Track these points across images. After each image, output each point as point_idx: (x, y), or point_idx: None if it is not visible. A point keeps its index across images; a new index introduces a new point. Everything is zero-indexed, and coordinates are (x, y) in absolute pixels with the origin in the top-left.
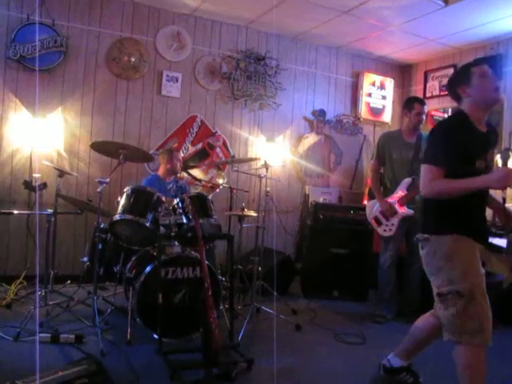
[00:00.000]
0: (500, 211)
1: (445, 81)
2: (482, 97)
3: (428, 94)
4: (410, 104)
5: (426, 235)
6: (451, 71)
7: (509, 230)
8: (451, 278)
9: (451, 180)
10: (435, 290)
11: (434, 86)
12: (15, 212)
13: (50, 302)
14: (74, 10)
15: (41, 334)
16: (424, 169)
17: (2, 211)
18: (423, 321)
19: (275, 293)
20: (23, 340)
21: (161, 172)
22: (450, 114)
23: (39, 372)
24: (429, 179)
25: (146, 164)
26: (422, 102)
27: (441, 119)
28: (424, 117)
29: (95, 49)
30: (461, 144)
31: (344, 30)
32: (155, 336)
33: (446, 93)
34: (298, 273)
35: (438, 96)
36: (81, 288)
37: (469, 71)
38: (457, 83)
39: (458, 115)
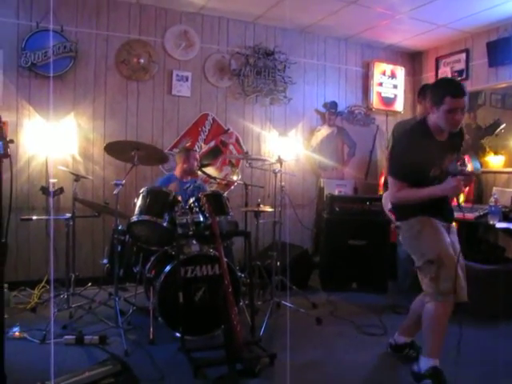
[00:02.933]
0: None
1: (457, 66)
2: (442, 124)
3: None
4: (424, 91)
5: (398, 223)
6: (463, 56)
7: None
8: (422, 251)
9: (413, 190)
10: (416, 265)
11: (445, 73)
12: (34, 218)
13: (73, 305)
14: (82, 14)
15: (66, 336)
16: (390, 180)
17: (22, 218)
18: (417, 302)
19: (293, 287)
20: (49, 342)
21: (177, 172)
22: (414, 123)
23: (67, 373)
24: (395, 191)
25: (160, 165)
26: None
27: (405, 128)
28: None
29: (104, 52)
30: (418, 159)
31: (352, 20)
32: (177, 334)
33: (459, 79)
34: (317, 266)
35: None
36: (102, 290)
37: (442, 98)
38: (430, 99)
39: (420, 127)
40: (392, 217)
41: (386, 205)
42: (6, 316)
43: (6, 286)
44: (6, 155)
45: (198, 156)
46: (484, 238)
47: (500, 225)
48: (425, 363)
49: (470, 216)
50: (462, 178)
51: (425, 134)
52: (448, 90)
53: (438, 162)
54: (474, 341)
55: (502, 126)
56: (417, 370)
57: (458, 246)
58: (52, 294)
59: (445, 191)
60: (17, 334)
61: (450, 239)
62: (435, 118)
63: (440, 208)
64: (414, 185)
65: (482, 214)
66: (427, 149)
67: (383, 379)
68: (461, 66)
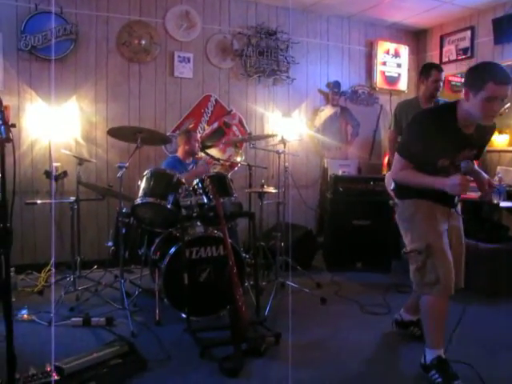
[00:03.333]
0: (479, 182)
1: (462, 44)
2: (475, 114)
3: (445, 59)
4: (427, 71)
5: (396, 201)
6: (468, 34)
7: (484, 197)
8: (413, 237)
9: (415, 174)
10: (403, 250)
11: (450, 51)
12: (38, 202)
13: (79, 287)
14: None
15: (73, 318)
16: (396, 156)
17: (27, 202)
18: None
19: (297, 267)
20: (56, 324)
21: (180, 153)
22: (441, 105)
23: (75, 353)
24: (398, 168)
25: (163, 146)
26: (439, 68)
27: (430, 109)
28: (441, 84)
29: (105, 34)
30: (430, 144)
31: None
32: (183, 315)
33: (463, 57)
34: (321, 246)
35: (455, 61)
36: (107, 272)
37: (484, 83)
38: (468, 82)
39: (445, 112)
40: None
41: (389, 184)
42: (13, 299)
43: (12, 269)
44: (9, 139)
45: (198, 137)
46: (488, 217)
47: (504, 204)
48: (429, 354)
49: (474, 195)
50: (471, 179)
51: (448, 120)
52: (492, 74)
53: (450, 154)
54: (476, 318)
55: (507, 106)
56: (423, 362)
57: (460, 233)
58: (53, 279)
59: (446, 186)
60: (25, 316)
61: (451, 225)
62: (468, 105)
63: (442, 192)
64: (419, 169)
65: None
66: (444, 137)
67: (387, 358)
68: (466, 43)
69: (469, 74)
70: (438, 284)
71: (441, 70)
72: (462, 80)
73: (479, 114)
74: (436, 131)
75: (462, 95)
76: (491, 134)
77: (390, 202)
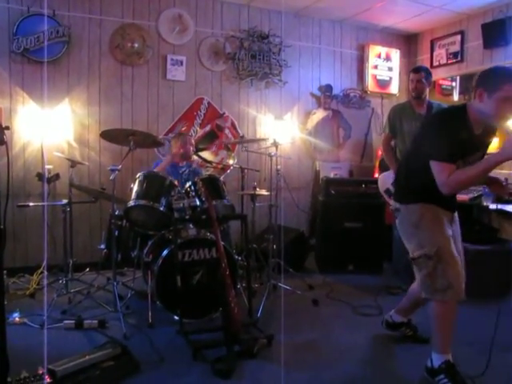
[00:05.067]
0: (493, 182)
1: (452, 48)
2: (488, 115)
3: (435, 63)
4: (409, 74)
5: (397, 206)
6: (458, 38)
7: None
8: (420, 242)
9: (465, 171)
10: (410, 256)
11: (441, 55)
12: (31, 204)
13: (72, 290)
14: None
15: (65, 321)
16: (437, 167)
17: (19, 204)
18: (414, 288)
19: (289, 269)
20: (49, 327)
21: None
22: (451, 106)
23: (67, 356)
24: (445, 176)
25: (156, 149)
26: (415, 69)
27: (442, 110)
28: (422, 84)
29: (98, 37)
30: (460, 142)
31: (347, 3)
32: (175, 317)
33: (454, 61)
34: (313, 249)
35: (446, 64)
36: (100, 275)
37: (499, 84)
38: (482, 83)
39: (458, 113)
40: (387, 198)
41: (382, 186)
42: (5, 302)
43: (4, 272)
44: (2, 142)
45: (193, 141)
46: (478, 219)
47: (493, 206)
48: (437, 359)
49: (464, 197)
50: None
51: (464, 122)
52: (508, 76)
53: (467, 156)
54: (464, 319)
55: None
56: (430, 366)
57: (459, 238)
58: (45, 282)
59: (503, 153)
60: (17, 319)
61: (453, 230)
62: (482, 106)
63: (447, 197)
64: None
65: (476, 195)
66: (465, 136)
67: (379, 359)
68: (456, 47)
69: (485, 75)
70: (450, 289)
71: (416, 71)
72: (453, 83)
73: (493, 115)
74: (462, 130)
75: (473, 97)
76: (493, 137)
77: (391, 207)
